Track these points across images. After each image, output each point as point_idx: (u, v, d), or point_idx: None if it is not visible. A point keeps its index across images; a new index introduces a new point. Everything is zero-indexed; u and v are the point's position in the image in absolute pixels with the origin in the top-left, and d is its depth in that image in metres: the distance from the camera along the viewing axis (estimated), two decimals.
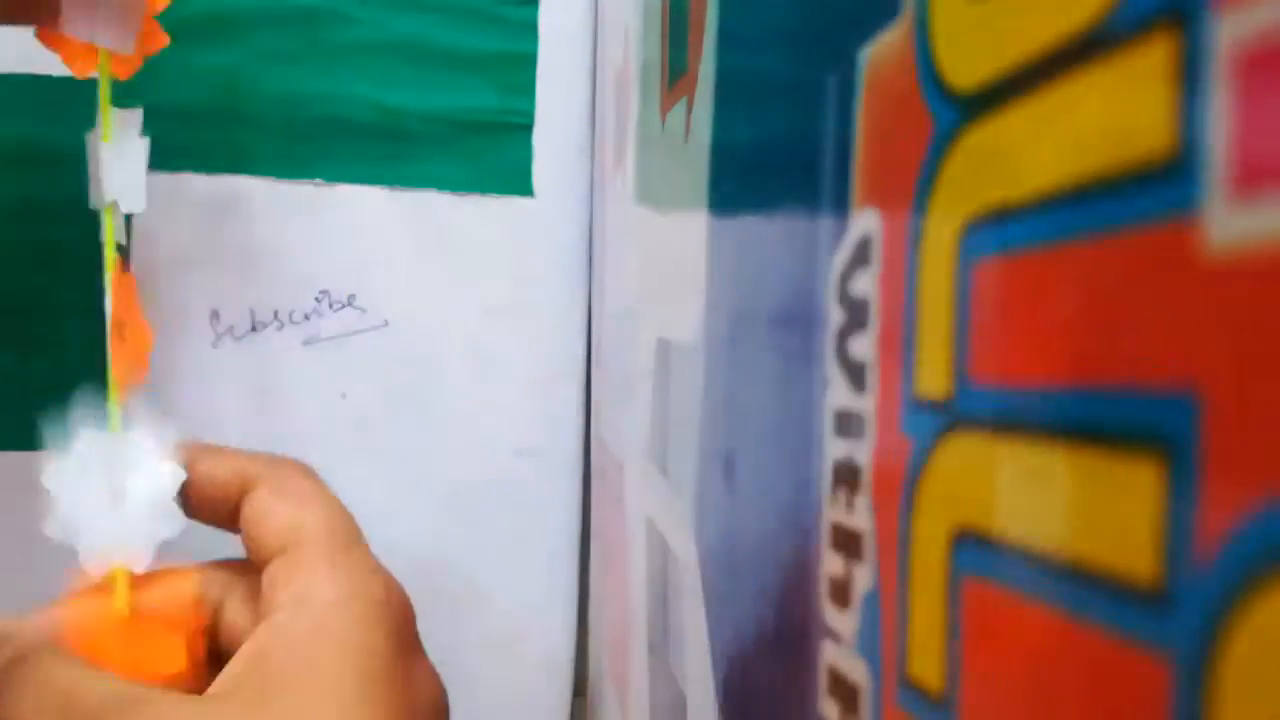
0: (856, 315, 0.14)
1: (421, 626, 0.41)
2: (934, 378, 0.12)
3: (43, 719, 0.24)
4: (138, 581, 0.29)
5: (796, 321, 0.16)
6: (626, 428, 0.32)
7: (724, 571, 0.20)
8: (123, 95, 0.39)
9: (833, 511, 0.15)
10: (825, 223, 0.15)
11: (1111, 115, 0.09)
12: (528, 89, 0.42)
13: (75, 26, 0.33)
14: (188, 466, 0.30)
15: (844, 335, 0.14)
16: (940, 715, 0.11)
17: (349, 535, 0.28)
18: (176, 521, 0.30)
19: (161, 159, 0.40)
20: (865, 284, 0.14)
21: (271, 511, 0.28)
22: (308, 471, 0.30)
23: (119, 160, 0.34)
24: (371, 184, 0.41)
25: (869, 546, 0.13)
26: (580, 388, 0.43)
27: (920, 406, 0.12)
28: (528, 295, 0.42)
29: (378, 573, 0.27)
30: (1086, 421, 0.09)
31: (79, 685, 0.24)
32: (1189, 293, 0.08)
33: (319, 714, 0.23)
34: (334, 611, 0.25)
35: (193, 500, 0.30)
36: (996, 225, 0.11)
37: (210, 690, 0.25)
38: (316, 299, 0.41)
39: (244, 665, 0.24)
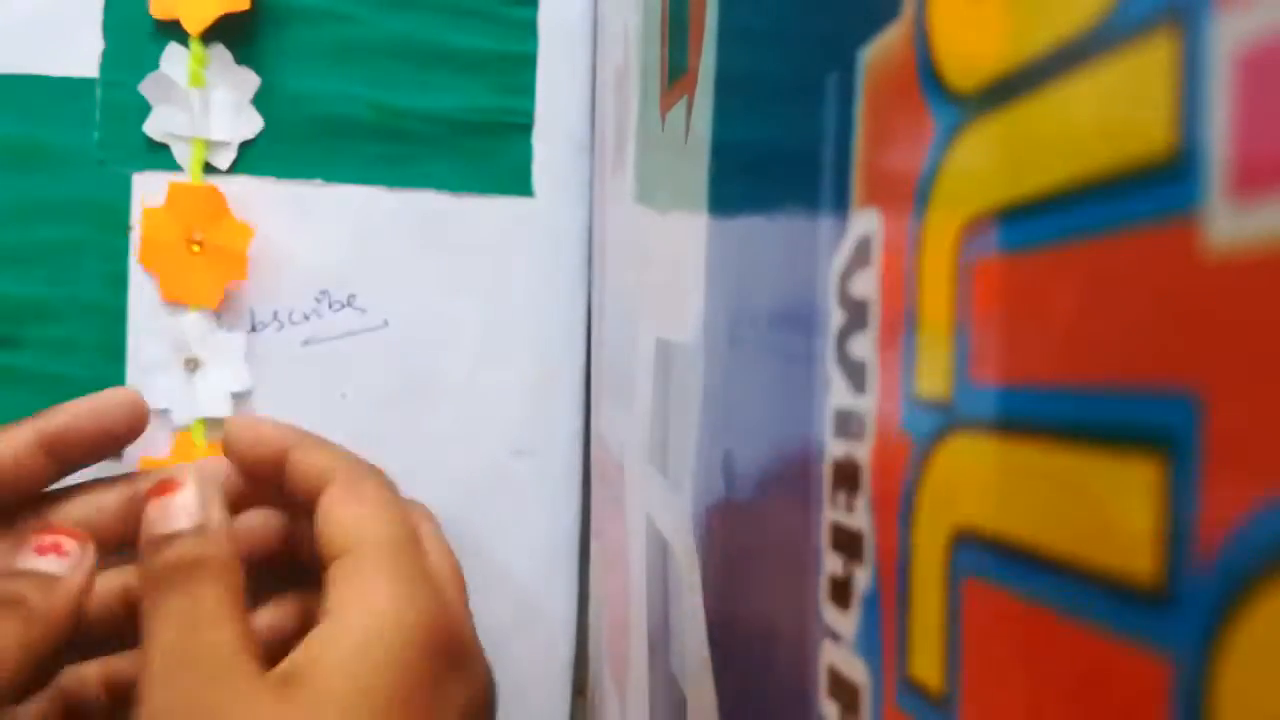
0: (856, 315, 0.14)
1: None
2: (934, 378, 0.12)
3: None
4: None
5: (796, 321, 0.16)
6: (626, 428, 0.32)
7: (724, 571, 0.20)
8: (123, 94, 0.39)
9: (833, 512, 0.15)
10: (825, 222, 0.15)
11: (1112, 115, 0.09)
12: (527, 89, 0.42)
13: None
14: (284, 450, 0.31)
15: (844, 335, 0.14)
16: (940, 716, 0.11)
17: (410, 546, 0.28)
18: (256, 122, 0.39)
19: (160, 160, 0.40)
20: (865, 284, 0.14)
21: (341, 513, 0.29)
22: (382, 478, 0.31)
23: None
24: (371, 184, 0.41)
25: (869, 547, 0.13)
26: (579, 388, 0.43)
27: (920, 407, 0.12)
28: (527, 295, 0.42)
29: (428, 586, 0.28)
30: (1087, 422, 0.09)
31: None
32: (1189, 293, 0.08)
33: None
34: (379, 627, 0.26)
35: (284, 485, 0.31)
36: (997, 225, 0.11)
37: (275, 671, 0.25)
38: (316, 299, 0.41)
39: (299, 664, 0.25)
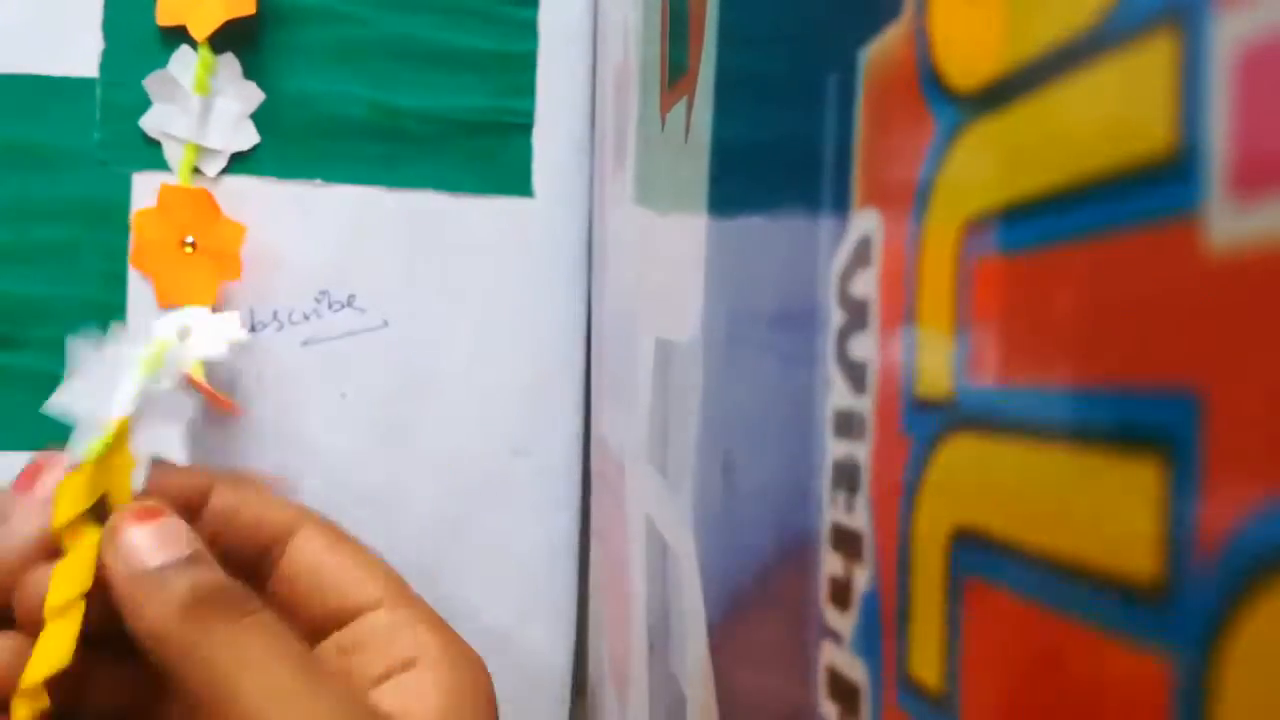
0: (857, 315, 0.14)
1: None
2: (934, 378, 0.12)
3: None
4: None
5: (797, 322, 0.16)
6: (626, 428, 0.32)
7: (724, 571, 0.20)
8: (124, 94, 0.39)
9: (833, 512, 0.15)
10: (825, 223, 0.15)
11: (1112, 115, 0.09)
12: (528, 89, 0.42)
13: None
14: (207, 490, 0.28)
15: (844, 335, 0.14)
16: (940, 715, 0.11)
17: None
18: (252, 136, 0.39)
19: (161, 160, 0.40)
20: (865, 284, 0.14)
21: (340, 561, 0.28)
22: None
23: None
24: (371, 184, 0.41)
25: (869, 547, 0.13)
26: (579, 388, 0.43)
27: (920, 407, 0.12)
28: (527, 296, 0.42)
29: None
30: (1087, 422, 0.09)
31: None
32: (1190, 292, 0.08)
33: None
34: (470, 684, 0.26)
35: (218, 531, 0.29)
36: (997, 225, 0.11)
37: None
38: (316, 299, 0.41)
39: (393, 714, 0.25)
